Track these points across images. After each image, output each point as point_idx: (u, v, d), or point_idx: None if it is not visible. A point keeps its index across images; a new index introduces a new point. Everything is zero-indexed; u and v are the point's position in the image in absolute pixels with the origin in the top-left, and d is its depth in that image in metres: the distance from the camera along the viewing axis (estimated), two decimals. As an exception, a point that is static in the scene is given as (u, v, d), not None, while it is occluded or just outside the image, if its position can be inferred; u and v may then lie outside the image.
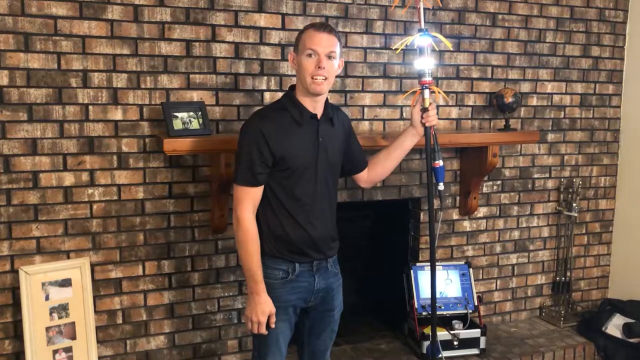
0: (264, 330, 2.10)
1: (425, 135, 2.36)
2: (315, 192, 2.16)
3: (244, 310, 2.17)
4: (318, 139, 2.15)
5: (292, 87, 2.21)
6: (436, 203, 2.47)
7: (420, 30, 2.35)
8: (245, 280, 2.15)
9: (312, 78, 2.08)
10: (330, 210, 2.25)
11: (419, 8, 2.37)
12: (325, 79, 2.10)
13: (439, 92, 2.53)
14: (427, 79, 2.34)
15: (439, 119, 3.29)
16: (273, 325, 2.12)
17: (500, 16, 3.39)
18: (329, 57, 2.10)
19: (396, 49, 2.45)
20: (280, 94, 2.88)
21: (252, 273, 2.08)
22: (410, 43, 2.40)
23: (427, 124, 2.34)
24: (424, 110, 2.35)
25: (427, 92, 2.35)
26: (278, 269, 2.15)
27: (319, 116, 2.17)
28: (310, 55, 2.09)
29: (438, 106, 3.31)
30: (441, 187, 2.40)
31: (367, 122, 3.14)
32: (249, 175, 2.08)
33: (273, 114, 2.15)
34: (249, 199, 2.09)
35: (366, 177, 2.46)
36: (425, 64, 2.34)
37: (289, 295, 2.16)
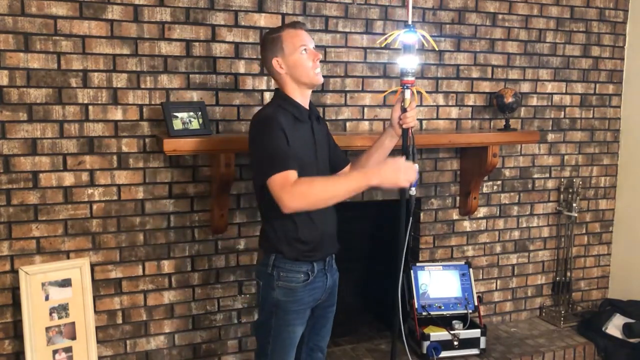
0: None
1: (403, 136, 2.23)
2: None
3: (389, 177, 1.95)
4: (314, 135, 2.16)
5: (278, 90, 2.19)
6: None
7: (407, 26, 2.19)
8: (361, 187, 1.99)
9: (314, 71, 2.11)
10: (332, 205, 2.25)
11: (408, 2, 2.20)
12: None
13: (417, 92, 2.34)
14: (410, 78, 2.19)
15: (438, 119, 3.33)
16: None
17: (500, 16, 3.39)
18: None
19: (382, 42, 2.28)
20: (280, 94, 2.89)
21: (354, 184, 1.96)
22: (395, 39, 2.23)
23: (404, 126, 2.22)
24: (404, 110, 2.23)
25: (407, 93, 2.21)
26: (299, 272, 2.13)
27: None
28: (304, 51, 2.10)
29: (438, 106, 3.32)
30: (413, 192, 2.20)
31: (367, 122, 3.14)
32: (290, 160, 2.00)
33: (278, 111, 2.10)
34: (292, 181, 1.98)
35: None
36: (409, 62, 2.18)
37: (308, 297, 2.17)
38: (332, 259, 2.28)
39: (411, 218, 2.26)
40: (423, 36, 2.22)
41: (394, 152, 2.39)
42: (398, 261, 2.28)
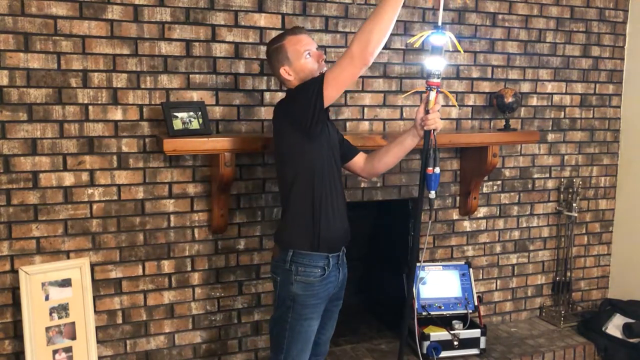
0: None
1: (424, 138, 2.22)
2: (340, 177, 2.27)
3: None
4: (328, 128, 2.24)
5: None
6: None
7: (436, 27, 2.16)
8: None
9: (321, 71, 2.17)
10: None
11: (439, 3, 2.20)
12: None
13: (441, 93, 2.26)
14: (435, 80, 2.17)
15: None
16: None
17: (500, 16, 3.39)
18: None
19: (413, 43, 2.24)
20: (280, 95, 2.89)
21: None
22: (425, 40, 2.22)
23: (425, 127, 2.23)
24: (427, 112, 2.22)
25: (432, 94, 2.19)
26: (316, 267, 2.17)
27: None
28: (308, 55, 2.18)
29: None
30: (432, 195, 2.21)
31: (367, 122, 3.14)
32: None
33: None
34: None
35: (362, 166, 2.46)
36: (436, 64, 2.15)
37: (324, 291, 2.20)
38: (344, 254, 2.32)
39: (430, 221, 2.35)
40: (451, 39, 2.19)
41: (415, 152, 2.38)
42: (412, 264, 2.35)
